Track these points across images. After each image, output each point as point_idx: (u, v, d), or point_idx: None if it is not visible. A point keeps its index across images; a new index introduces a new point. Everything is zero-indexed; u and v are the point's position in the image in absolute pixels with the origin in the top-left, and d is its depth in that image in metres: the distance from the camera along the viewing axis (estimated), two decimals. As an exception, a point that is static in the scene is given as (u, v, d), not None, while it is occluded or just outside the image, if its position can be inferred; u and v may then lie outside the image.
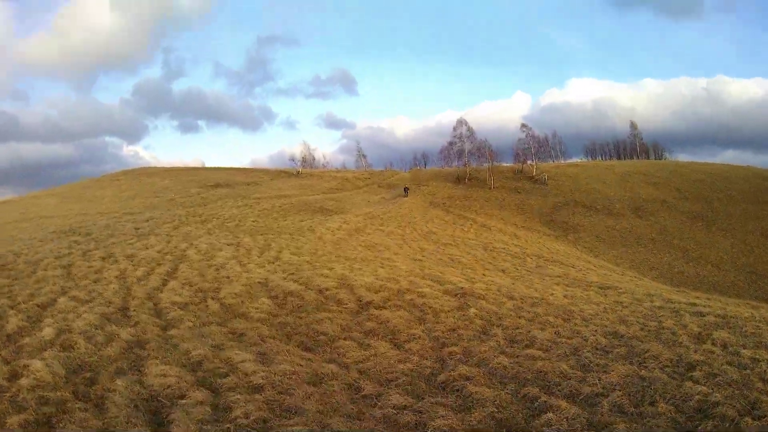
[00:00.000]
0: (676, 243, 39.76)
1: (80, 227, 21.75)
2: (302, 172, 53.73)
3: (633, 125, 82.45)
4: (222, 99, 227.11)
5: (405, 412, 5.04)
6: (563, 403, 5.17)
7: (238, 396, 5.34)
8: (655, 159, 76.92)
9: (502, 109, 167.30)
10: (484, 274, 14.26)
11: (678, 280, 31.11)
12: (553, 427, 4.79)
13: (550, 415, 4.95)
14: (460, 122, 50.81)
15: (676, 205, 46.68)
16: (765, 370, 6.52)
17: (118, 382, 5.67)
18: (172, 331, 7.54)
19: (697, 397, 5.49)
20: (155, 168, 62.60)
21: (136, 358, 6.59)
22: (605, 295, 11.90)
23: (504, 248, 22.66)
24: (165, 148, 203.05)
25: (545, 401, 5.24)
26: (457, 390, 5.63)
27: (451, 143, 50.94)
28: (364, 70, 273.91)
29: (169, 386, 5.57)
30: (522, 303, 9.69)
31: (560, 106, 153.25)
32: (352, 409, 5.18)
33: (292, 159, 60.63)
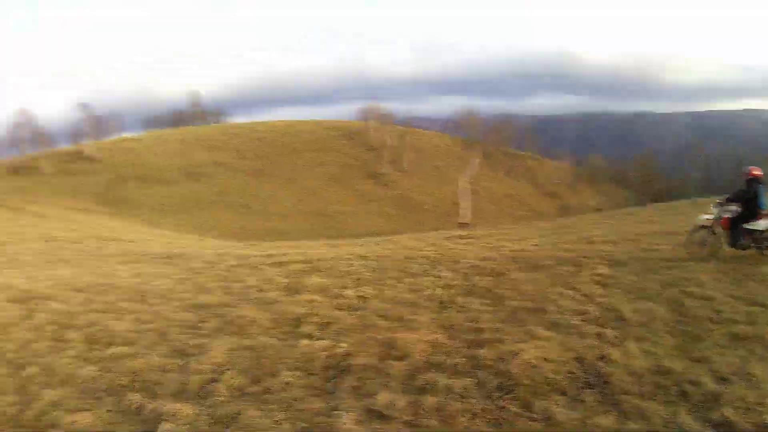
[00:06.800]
0: (237, 201, 41.85)
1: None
2: None
3: (193, 92, 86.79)
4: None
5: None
6: (176, 405, 4.39)
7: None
8: (214, 123, 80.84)
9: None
10: (47, 269, 11.74)
11: (241, 235, 32.00)
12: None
13: (167, 425, 4.11)
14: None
15: (235, 165, 48.16)
16: (378, 307, 6.19)
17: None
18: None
19: (323, 354, 5.17)
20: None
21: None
22: (175, 265, 11.39)
23: (64, 236, 19.46)
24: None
25: (155, 408, 4.38)
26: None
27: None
28: None
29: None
30: (91, 293, 8.41)
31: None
32: None
33: None
